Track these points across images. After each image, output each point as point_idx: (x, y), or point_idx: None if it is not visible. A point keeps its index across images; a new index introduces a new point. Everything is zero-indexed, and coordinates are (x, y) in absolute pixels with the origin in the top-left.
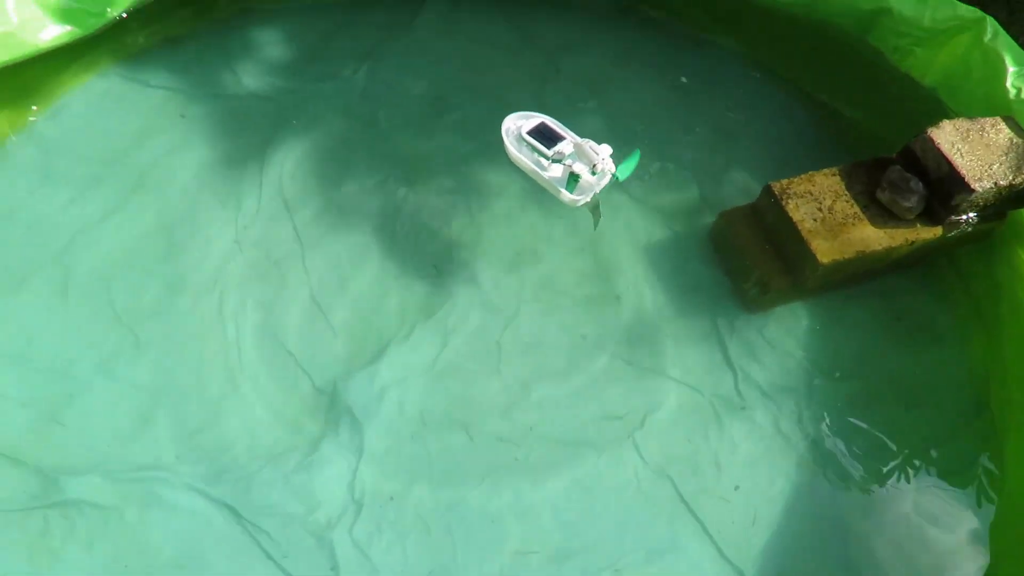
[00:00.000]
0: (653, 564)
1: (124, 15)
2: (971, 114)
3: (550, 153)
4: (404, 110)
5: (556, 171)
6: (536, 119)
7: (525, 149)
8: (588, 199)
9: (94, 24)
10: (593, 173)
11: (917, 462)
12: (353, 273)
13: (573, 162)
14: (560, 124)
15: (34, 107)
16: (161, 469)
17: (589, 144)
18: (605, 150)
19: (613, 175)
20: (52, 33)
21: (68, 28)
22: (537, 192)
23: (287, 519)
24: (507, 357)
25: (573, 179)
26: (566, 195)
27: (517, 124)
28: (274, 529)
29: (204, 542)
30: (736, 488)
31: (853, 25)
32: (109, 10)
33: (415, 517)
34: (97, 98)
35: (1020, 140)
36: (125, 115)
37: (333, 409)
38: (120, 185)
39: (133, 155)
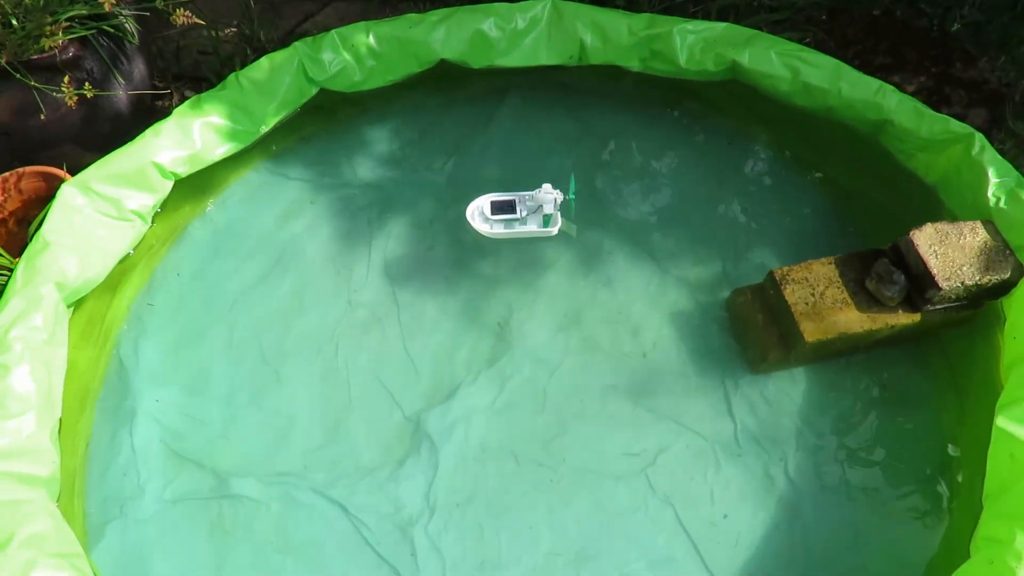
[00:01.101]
0: (652, 572)
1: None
2: (963, 214)
3: (521, 215)
4: (480, 194)
5: (532, 221)
6: (484, 199)
7: (498, 224)
8: (560, 223)
9: (251, 139)
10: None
11: (882, 509)
12: (435, 328)
13: (538, 206)
14: (498, 193)
15: (210, 200)
16: (293, 475)
17: (536, 192)
18: (547, 187)
19: (567, 196)
20: (223, 150)
21: (233, 144)
22: (582, 265)
23: (381, 516)
24: (550, 401)
25: (546, 217)
26: (550, 230)
27: (477, 208)
28: (371, 523)
29: (323, 530)
30: (724, 516)
31: (865, 129)
32: (262, 127)
33: (473, 521)
34: (252, 189)
35: (994, 243)
36: (271, 202)
37: (416, 435)
38: (267, 258)
39: (276, 234)
